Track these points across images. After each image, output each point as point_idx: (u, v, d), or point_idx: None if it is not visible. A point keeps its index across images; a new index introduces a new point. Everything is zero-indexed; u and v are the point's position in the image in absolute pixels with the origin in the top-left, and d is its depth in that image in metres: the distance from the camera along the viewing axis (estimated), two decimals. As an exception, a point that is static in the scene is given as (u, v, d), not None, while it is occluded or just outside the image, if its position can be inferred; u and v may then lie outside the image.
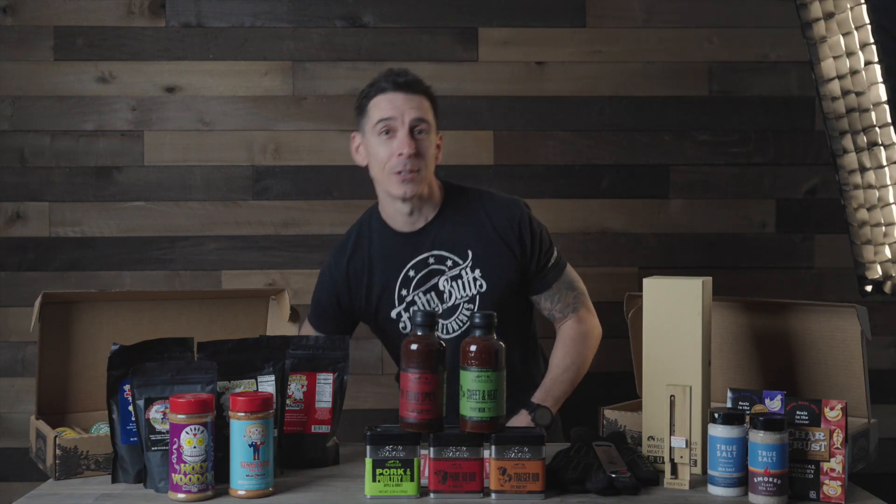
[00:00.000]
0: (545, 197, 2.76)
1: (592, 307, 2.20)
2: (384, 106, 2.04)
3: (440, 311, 2.09)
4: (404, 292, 2.10)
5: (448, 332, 2.10)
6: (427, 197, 2.10)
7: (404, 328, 2.11)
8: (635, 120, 2.79)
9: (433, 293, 2.10)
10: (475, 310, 2.08)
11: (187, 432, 1.53)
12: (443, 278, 2.10)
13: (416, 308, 2.09)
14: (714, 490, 1.59)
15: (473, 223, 2.12)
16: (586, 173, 2.70)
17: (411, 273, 2.10)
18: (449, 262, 2.09)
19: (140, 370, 1.61)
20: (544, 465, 1.56)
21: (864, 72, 2.20)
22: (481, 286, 2.09)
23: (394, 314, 2.12)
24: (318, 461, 1.76)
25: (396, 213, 2.11)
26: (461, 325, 2.10)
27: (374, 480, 1.55)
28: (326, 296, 2.17)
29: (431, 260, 2.10)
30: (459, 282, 2.10)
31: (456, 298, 2.10)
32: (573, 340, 2.14)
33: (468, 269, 2.09)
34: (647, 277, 1.77)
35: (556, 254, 2.16)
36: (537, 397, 2.06)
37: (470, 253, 2.10)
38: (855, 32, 2.21)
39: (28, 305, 2.21)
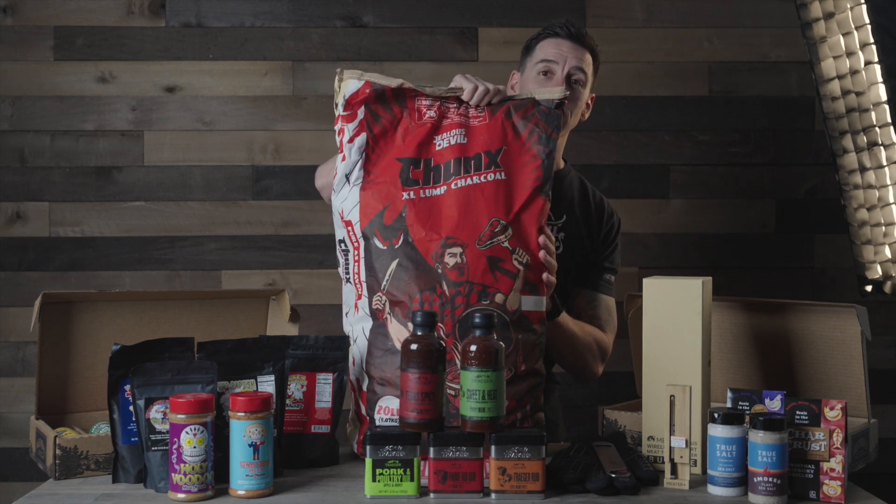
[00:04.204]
0: (545, 197, 2.76)
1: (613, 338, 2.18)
2: (549, 49, 2.12)
3: None
4: None
5: None
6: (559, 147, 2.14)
7: None
8: (635, 120, 2.79)
9: None
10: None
11: (187, 432, 1.53)
12: None
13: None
14: (714, 490, 1.59)
15: (582, 197, 2.19)
16: (586, 173, 2.68)
17: None
18: None
19: (140, 370, 1.61)
20: (544, 465, 1.56)
21: (864, 72, 2.21)
22: (558, 247, 2.11)
23: None
24: (317, 461, 1.76)
25: None
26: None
27: (373, 480, 1.55)
28: None
29: None
30: None
31: None
32: (597, 332, 2.12)
33: (555, 228, 2.12)
34: (647, 277, 1.77)
35: (615, 275, 2.20)
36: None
37: (565, 217, 2.15)
38: (855, 32, 2.21)
39: (28, 305, 2.21)
